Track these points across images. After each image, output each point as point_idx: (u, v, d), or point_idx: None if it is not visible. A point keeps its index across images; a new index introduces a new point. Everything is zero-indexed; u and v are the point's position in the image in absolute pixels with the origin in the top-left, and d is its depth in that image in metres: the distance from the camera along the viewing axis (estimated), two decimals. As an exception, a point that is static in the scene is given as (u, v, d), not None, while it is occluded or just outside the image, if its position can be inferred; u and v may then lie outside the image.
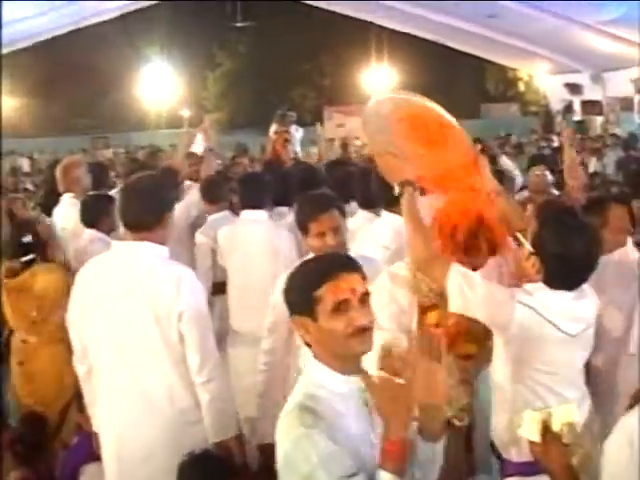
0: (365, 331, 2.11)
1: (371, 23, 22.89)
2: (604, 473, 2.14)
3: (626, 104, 20.45)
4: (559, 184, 6.21)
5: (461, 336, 3.01)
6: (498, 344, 2.93)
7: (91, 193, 5.43)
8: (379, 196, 4.23)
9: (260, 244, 4.88)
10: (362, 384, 2.13)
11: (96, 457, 3.52)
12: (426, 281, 3.08)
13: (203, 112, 23.11)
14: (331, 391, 2.13)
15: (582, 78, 21.54)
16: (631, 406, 2.24)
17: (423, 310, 3.12)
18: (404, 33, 22.66)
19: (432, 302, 3.08)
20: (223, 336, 4.76)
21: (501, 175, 4.72)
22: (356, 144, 15.40)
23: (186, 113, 27.82)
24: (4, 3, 12.75)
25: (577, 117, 21.83)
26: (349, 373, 2.15)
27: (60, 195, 5.67)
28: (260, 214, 5.01)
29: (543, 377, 2.88)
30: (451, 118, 3.27)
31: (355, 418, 2.12)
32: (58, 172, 5.70)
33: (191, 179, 6.38)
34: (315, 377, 2.17)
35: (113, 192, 5.58)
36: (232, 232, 5.05)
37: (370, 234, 4.31)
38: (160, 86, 25.96)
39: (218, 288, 5.11)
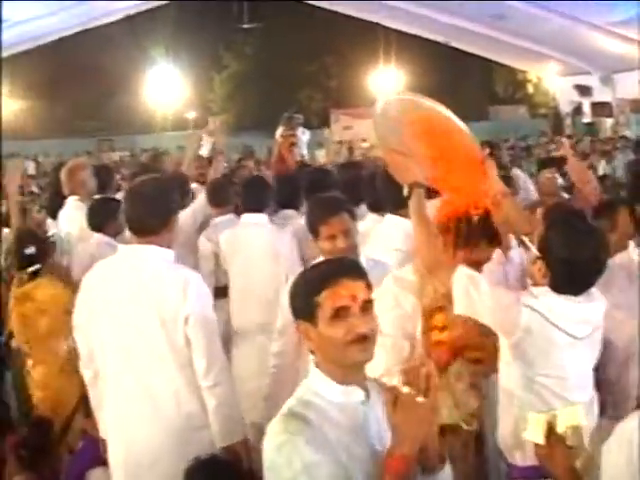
0: (365, 339, 2.07)
1: (378, 24, 22.89)
2: (603, 476, 2.13)
3: (636, 106, 20.43)
4: (569, 187, 6.17)
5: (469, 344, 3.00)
6: (504, 348, 2.91)
7: (98, 197, 5.42)
8: (386, 198, 4.22)
9: (261, 247, 4.90)
10: (363, 397, 2.11)
11: (102, 462, 3.51)
12: (433, 283, 3.06)
13: (209, 114, 23.09)
14: (328, 400, 2.11)
15: (592, 80, 21.53)
16: (638, 406, 2.22)
17: (430, 313, 3.10)
18: (412, 35, 22.66)
19: (439, 304, 3.06)
20: (228, 340, 4.75)
21: (509, 180, 4.69)
22: (363, 146, 15.40)
23: (192, 115, 27.86)
24: (5, 3, 12.76)
25: (587, 119, 21.81)
26: (350, 383, 2.12)
27: (65, 198, 5.66)
28: (261, 217, 5.02)
29: (549, 381, 2.85)
30: (459, 120, 3.25)
31: (349, 430, 2.08)
32: (63, 175, 5.69)
33: (197, 182, 6.37)
34: (313, 384, 2.15)
35: (119, 195, 5.58)
36: (233, 235, 5.06)
37: (381, 237, 4.30)
38: (166, 88, 26.01)
39: (220, 292, 5.09)
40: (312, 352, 2.18)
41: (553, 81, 24.43)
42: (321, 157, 12.10)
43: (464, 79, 30.50)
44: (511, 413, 2.91)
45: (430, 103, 3.28)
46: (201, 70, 30.71)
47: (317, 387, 2.13)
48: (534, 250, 2.95)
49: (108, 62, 26.94)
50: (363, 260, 3.36)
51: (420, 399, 2.00)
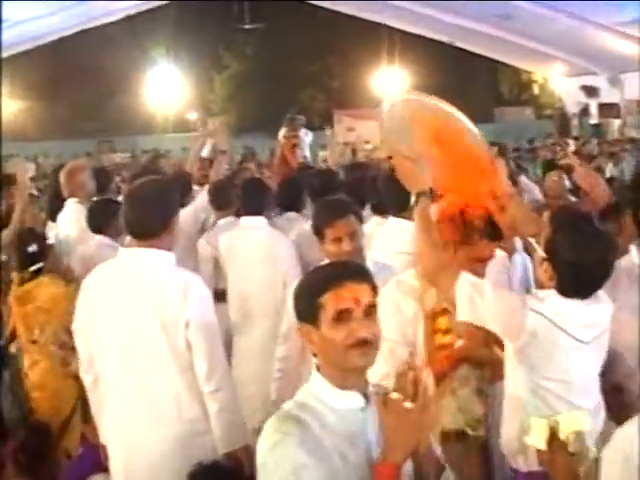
0: (366, 344, 2.05)
1: (381, 24, 22.86)
2: None
3: (644, 107, 20.39)
4: (576, 190, 6.12)
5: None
6: (509, 352, 2.88)
7: (97, 198, 5.41)
8: (389, 201, 4.20)
9: (259, 250, 4.90)
10: (363, 403, 2.09)
11: (102, 468, 3.49)
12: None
13: (209, 115, 23.06)
14: (326, 405, 2.09)
15: (599, 80, 21.50)
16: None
17: (433, 315, 3.08)
18: (416, 35, 22.65)
19: (442, 307, 3.04)
20: (227, 345, 4.72)
21: (514, 182, 4.68)
22: (366, 148, 15.38)
23: (192, 116, 27.84)
24: (5, 3, 12.78)
25: (594, 120, 21.75)
26: (350, 388, 2.10)
27: (64, 200, 5.63)
28: (259, 220, 5.01)
29: (555, 385, 2.83)
30: (467, 120, 3.21)
31: (347, 437, 2.07)
32: (62, 177, 5.66)
33: (199, 183, 6.34)
34: (313, 388, 2.13)
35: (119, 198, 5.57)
36: (232, 239, 5.06)
37: (384, 240, 4.28)
38: (166, 89, 25.97)
39: (220, 296, 5.06)
40: (314, 355, 2.16)
41: (559, 82, 24.39)
42: (325, 158, 12.06)
43: (469, 80, 30.34)
44: (516, 417, 2.88)
45: (438, 103, 3.23)
46: (201, 70, 30.65)
47: (317, 391, 2.12)
48: (540, 252, 2.90)
49: (108, 62, 26.89)
50: (369, 263, 3.35)
51: (408, 404, 1.98)
